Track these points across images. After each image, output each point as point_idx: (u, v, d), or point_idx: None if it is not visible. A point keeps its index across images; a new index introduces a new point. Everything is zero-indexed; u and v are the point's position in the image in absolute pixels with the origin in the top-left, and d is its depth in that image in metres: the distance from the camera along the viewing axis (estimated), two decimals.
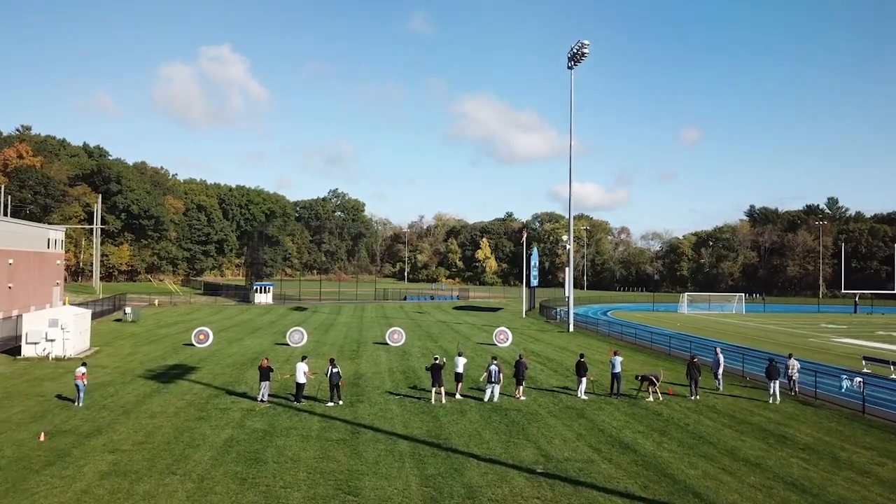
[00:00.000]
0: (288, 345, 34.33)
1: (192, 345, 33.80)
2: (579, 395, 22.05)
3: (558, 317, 55.97)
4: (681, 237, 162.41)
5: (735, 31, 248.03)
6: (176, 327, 44.99)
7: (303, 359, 21.20)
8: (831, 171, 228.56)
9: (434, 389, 20.77)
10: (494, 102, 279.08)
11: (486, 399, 21.08)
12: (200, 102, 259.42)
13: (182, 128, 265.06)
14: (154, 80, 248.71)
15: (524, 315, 60.69)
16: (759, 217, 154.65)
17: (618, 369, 22.37)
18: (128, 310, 48.12)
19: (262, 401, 20.36)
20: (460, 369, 21.80)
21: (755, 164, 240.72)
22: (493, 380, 21.01)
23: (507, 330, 36.42)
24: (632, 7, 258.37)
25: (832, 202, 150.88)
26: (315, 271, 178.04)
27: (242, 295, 78.99)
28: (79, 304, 50.83)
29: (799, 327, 53.01)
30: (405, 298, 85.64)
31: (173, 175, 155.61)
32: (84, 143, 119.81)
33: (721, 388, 23.68)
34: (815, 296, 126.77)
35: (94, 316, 50.57)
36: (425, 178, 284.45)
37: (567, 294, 46.58)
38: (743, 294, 72.75)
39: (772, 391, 22.17)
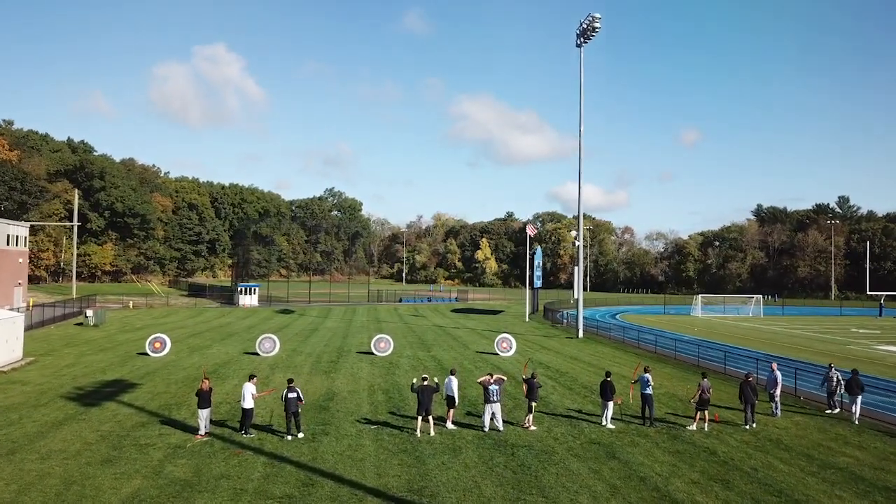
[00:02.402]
0: (258, 354, 29.76)
1: (147, 354, 29.26)
2: (604, 423, 17.50)
3: (565, 321, 51.39)
4: (686, 237, 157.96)
5: (733, 30, 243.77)
6: (140, 332, 40.33)
7: (250, 378, 16.65)
8: (832, 171, 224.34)
9: (420, 418, 16.21)
10: (493, 103, 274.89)
11: (486, 428, 16.58)
12: (197, 103, 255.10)
13: (180, 129, 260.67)
14: (149, 81, 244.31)
15: (527, 319, 56.13)
16: (767, 216, 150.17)
17: (649, 390, 17.79)
18: (89, 313, 43.53)
19: (201, 434, 15.81)
20: (453, 392, 17.21)
21: (755, 165, 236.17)
22: (493, 398, 16.47)
23: (510, 337, 31.85)
24: (631, 5, 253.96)
25: (843, 201, 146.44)
26: (311, 272, 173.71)
27: (227, 296, 74.38)
28: (43, 306, 46.33)
29: (828, 332, 48.42)
30: (400, 300, 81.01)
31: (165, 173, 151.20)
32: (68, 139, 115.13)
33: (779, 413, 19.09)
34: (826, 297, 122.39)
35: (56, 319, 46.21)
36: (424, 179, 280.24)
37: (576, 295, 42.03)
38: (760, 296, 68.11)
39: (853, 410, 18.22)
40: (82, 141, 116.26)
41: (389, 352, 30.33)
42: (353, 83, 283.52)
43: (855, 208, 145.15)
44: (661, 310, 72.42)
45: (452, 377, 17.35)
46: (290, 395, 16.05)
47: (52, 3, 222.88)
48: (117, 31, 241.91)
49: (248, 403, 16.12)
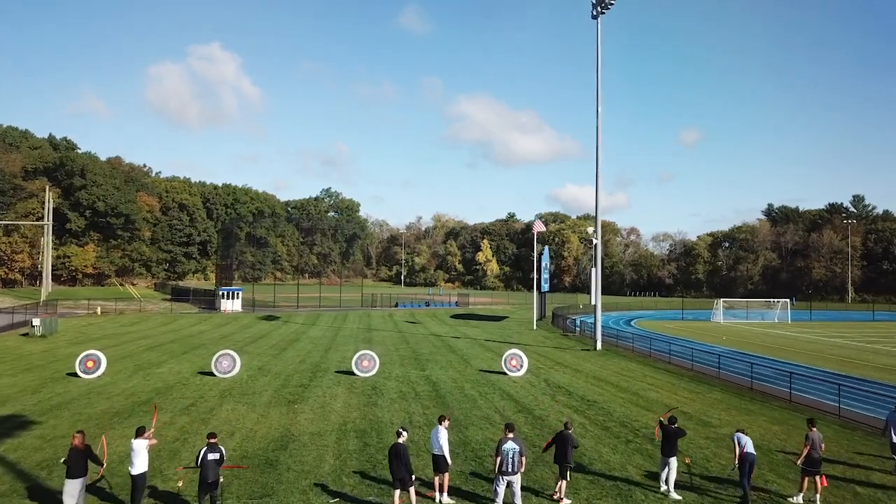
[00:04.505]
0: (213, 374, 24.37)
1: (77, 375, 23.91)
2: (667, 491, 12.11)
3: (577, 329, 46.02)
4: (695, 238, 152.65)
5: (733, 27, 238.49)
6: (92, 345, 34.89)
7: (139, 433, 11.21)
8: (837, 171, 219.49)
9: (396, 494, 10.86)
10: (492, 103, 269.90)
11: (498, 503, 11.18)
12: (194, 103, 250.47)
13: (177, 130, 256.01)
14: (145, 81, 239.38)
15: (535, 326, 50.70)
16: (778, 216, 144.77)
17: (750, 447, 12.13)
18: (36, 321, 38.15)
19: None
20: (440, 450, 11.69)
21: (756, 165, 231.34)
22: (510, 469, 11.01)
23: (520, 354, 26.40)
24: (631, 4, 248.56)
25: (857, 200, 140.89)
26: (306, 275, 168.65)
27: (210, 301, 68.99)
28: None
29: (874, 341, 43.04)
30: (396, 305, 75.57)
31: (157, 173, 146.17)
32: (49, 135, 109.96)
33: None
34: (842, 300, 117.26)
35: (4, 328, 40.98)
36: (423, 180, 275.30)
37: (593, 301, 36.68)
38: (787, 300, 62.72)
39: None
40: (64, 138, 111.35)
41: (374, 372, 24.92)
42: (350, 82, 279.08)
43: (870, 207, 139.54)
44: (678, 315, 67.05)
45: (440, 428, 11.84)
46: (211, 455, 10.71)
47: (47, 4, 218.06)
48: (113, 32, 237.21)
49: (139, 468, 10.78)
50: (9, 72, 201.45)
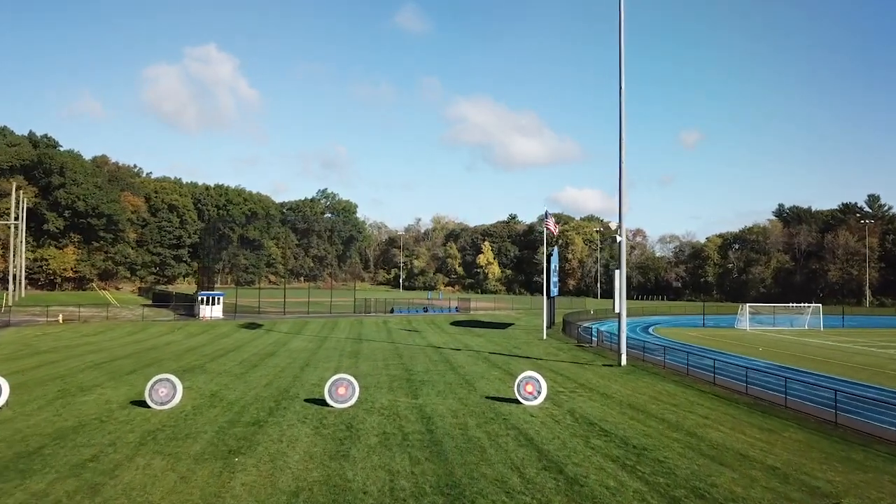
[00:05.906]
0: (148, 406, 19.14)
1: None
2: None
3: (594, 339, 40.76)
4: (703, 240, 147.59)
5: (733, 30, 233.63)
6: (34, 360, 29.85)
7: None
8: (838, 172, 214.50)
9: None
10: (492, 104, 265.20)
11: None
12: (192, 106, 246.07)
13: (175, 134, 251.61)
14: (142, 83, 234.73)
15: (545, 335, 45.41)
16: (790, 217, 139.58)
17: None
18: None
19: None
20: None
21: (757, 167, 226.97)
22: None
23: (537, 377, 21.04)
24: (630, 4, 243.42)
25: (873, 199, 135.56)
26: (302, 278, 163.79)
27: (189, 307, 63.75)
28: None
29: None
30: (392, 311, 70.30)
31: (148, 174, 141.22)
32: (29, 132, 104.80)
33: None
34: (859, 303, 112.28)
35: None
36: (422, 183, 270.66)
37: (617, 307, 31.43)
38: (819, 305, 57.45)
39: None
40: (45, 135, 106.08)
41: (352, 401, 19.64)
42: (348, 83, 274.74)
43: (886, 207, 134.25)
44: (697, 321, 61.79)
45: None
46: None
47: (45, 5, 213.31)
48: (109, 33, 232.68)
49: None
50: (7, 72, 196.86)
